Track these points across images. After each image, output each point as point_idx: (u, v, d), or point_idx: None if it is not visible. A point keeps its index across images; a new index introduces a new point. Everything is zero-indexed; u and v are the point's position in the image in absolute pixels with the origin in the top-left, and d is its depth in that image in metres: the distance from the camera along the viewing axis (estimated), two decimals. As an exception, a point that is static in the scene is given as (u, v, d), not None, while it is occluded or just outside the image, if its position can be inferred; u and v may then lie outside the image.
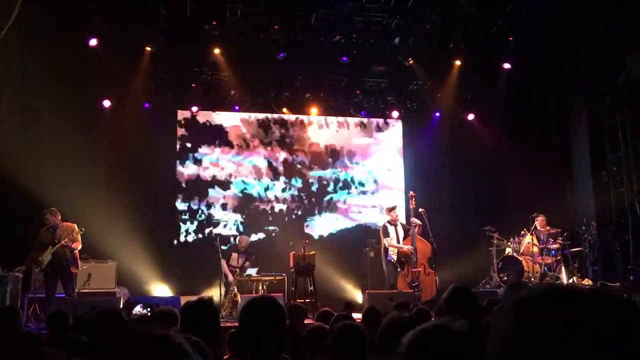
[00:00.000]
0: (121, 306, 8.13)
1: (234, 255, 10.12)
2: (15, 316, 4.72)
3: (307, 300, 9.05)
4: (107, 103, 11.14)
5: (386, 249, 9.54)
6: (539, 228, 10.39)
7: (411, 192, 10.03)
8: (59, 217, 8.49)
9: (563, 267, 10.23)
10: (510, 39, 10.91)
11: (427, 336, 1.32)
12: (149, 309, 7.28)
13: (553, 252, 10.18)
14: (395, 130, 13.25)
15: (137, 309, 7.64)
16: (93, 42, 9.89)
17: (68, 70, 9.75)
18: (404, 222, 10.25)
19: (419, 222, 9.47)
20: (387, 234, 9.58)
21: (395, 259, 9.42)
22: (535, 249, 10.25)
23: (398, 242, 9.54)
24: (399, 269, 9.34)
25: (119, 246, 9.99)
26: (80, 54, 9.81)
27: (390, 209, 9.87)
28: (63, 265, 8.40)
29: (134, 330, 1.12)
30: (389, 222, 9.72)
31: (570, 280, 9.94)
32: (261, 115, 12.59)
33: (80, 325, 4.35)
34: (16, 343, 3.56)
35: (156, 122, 11.67)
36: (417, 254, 9.35)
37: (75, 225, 8.54)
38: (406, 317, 2.49)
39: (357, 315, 6.87)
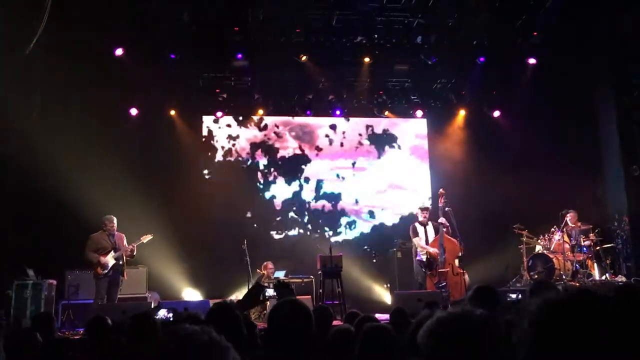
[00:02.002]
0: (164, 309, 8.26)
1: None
2: (49, 322, 4.83)
3: (335, 302, 9.04)
4: (134, 111, 11.30)
5: (416, 249, 9.52)
6: (569, 224, 10.21)
7: (441, 190, 9.84)
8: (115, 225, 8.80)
9: (595, 264, 10.03)
10: (535, 33, 10.75)
11: (446, 324, 1.28)
12: (172, 314, 7.32)
13: (585, 248, 9.99)
14: (420, 129, 13.18)
15: (162, 313, 7.68)
16: (119, 51, 10.06)
17: (95, 80, 9.95)
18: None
19: (446, 222, 9.38)
20: (416, 234, 9.52)
21: (424, 260, 9.35)
22: (567, 246, 10.07)
23: (427, 242, 9.46)
24: (424, 270, 9.26)
25: (149, 251, 10.12)
26: (107, 63, 10.00)
27: (423, 209, 9.73)
28: (120, 272, 8.72)
29: (178, 330, 1.13)
30: (419, 222, 9.63)
31: (603, 277, 9.75)
32: (285, 118, 12.66)
33: (118, 329, 4.43)
34: (51, 348, 3.64)
35: (183, 128, 11.84)
36: (445, 254, 9.25)
37: (124, 235, 8.86)
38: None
39: (382, 316, 6.85)
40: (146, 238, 8.97)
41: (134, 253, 8.91)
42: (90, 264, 8.55)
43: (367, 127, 13.01)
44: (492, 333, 1.28)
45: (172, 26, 9.98)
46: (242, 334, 2.69)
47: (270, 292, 7.47)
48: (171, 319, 7.05)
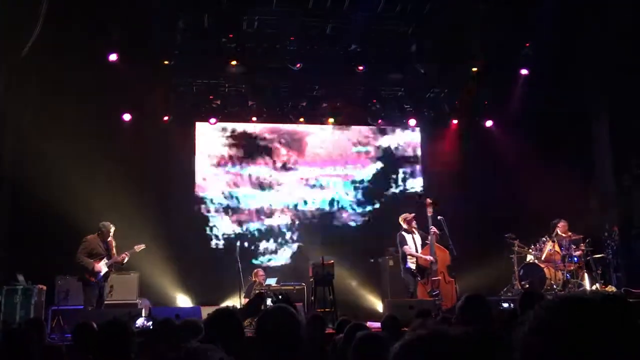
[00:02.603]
0: (143, 317, 8.20)
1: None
2: (39, 328, 4.79)
3: (326, 310, 9.02)
4: (127, 117, 11.28)
5: (404, 258, 9.38)
6: (560, 234, 10.25)
7: (428, 200, 9.85)
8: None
9: (586, 274, 10.06)
10: (527, 44, 10.84)
11: (419, 343, 1.23)
12: (151, 322, 7.21)
13: (575, 258, 10.01)
14: (413, 138, 13.23)
15: (140, 322, 7.58)
16: (113, 57, 10.05)
17: (89, 85, 9.94)
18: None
19: (437, 230, 9.36)
20: (404, 243, 9.42)
21: (414, 268, 9.31)
22: (557, 256, 10.11)
23: (416, 250, 9.41)
24: (418, 278, 9.24)
25: (140, 258, 10.07)
26: (101, 68, 9.98)
27: (409, 219, 9.59)
28: (108, 278, 8.72)
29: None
30: (405, 230, 9.56)
31: (594, 287, 9.79)
32: (278, 126, 12.68)
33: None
34: (40, 355, 3.61)
35: (175, 135, 11.81)
36: (437, 263, 9.23)
37: (113, 240, 8.83)
38: (431, 324, 2.48)
39: (374, 324, 6.84)
40: (140, 248, 8.95)
41: (125, 261, 8.88)
42: (83, 269, 8.47)
43: (359, 134, 13.04)
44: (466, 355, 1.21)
45: (166, 32, 9.98)
46: (244, 340, 2.69)
47: (269, 302, 7.45)
48: (151, 327, 6.94)
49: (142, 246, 8.98)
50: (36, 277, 9.02)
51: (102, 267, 8.52)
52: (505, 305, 7.23)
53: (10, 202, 9.70)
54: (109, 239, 8.73)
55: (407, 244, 9.39)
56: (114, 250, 8.77)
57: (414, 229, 9.53)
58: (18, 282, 8.66)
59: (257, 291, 9.56)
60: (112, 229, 8.74)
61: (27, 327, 4.58)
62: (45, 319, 8.48)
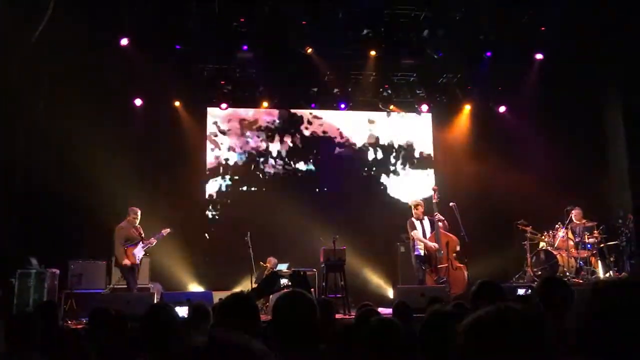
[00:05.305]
0: (155, 301, 8.25)
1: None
2: (53, 310, 4.83)
3: (338, 296, 9.03)
4: (138, 101, 11.28)
5: (414, 244, 9.44)
6: (574, 221, 10.19)
7: (433, 187, 9.90)
8: None
9: (599, 261, 10.01)
10: (542, 29, 10.68)
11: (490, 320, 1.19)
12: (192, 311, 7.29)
13: (589, 245, 9.97)
14: (425, 123, 13.13)
15: (183, 311, 7.66)
16: (124, 41, 10.03)
17: (100, 70, 9.94)
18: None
19: (442, 217, 9.34)
20: (414, 228, 9.48)
21: (423, 254, 9.30)
22: (571, 243, 10.05)
23: (424, 237, 9.42)
24: (426, 265, 9.22)
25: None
26: (112, 53, 9.97)
27: (416, 205, 9.66)
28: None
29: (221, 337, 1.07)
30: (414, 217, 9.56)
31: (607, 275, 9.74)
32: (289, 110, 12.64)
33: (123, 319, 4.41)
34: (54, 337, 3.63)
35: (187, 119, 11.82)
36: (443, 250, 9.20)
37: None
38: (448, 311, 2.46)
39: (384, 310, 6.84)
40: (166, 232, 9.08)
41: (154, 244, 9.06)
42: (121, 256, 8.60)
43: (369, 121, 12.97)
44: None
45: (178, 16, 9.94)
46: (260, 325, 2.68)
47: (284, 281, 7.45)
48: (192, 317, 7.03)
49: (169, 230, 9.07)
50: (49, 261, 9.10)
51: (138, 251, 8.67)
52: (521, 291, 7.20)
53: (24, 187, 9.77)
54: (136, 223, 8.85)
55: (416, 229, 9.42)
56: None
57: (422, 216, 9.52)
58: (31, 266, 8.74)
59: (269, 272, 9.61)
60: (139, 213, 8.84)
61: (40, 310, 4.62)
62: (58, 302, 8.58)
